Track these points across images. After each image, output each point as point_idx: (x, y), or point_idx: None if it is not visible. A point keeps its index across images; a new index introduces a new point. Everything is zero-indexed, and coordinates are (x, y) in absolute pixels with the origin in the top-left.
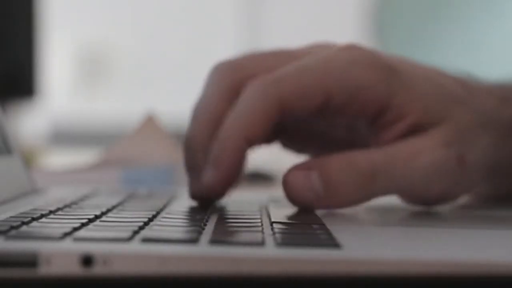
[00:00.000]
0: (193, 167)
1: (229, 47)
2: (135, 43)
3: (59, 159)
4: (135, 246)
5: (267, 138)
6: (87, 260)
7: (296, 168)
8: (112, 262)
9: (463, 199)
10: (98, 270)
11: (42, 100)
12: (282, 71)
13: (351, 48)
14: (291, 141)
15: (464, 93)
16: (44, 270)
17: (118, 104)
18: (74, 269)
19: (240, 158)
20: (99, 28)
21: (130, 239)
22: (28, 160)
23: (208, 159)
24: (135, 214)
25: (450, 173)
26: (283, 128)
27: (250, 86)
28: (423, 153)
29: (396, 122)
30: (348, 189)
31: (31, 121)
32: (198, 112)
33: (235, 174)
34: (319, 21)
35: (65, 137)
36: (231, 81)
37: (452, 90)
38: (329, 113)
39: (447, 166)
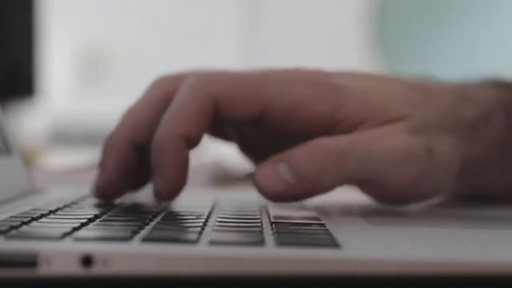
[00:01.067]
0: (103, 167)
1: (229, 47)
2: (135, 43)
3: (59, 159)
4: (135, 246)
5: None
6: (87, 260)
7: (264, 163)
8: (112, 262)
9: (437, 200)
10: (98, 270)
11: (42, 100)
12: (219, 74)
13: (294, 69)
14: (247, 150)
15: (418, 96)
16: (44, 270)
17: (118, 104)
18: (74, 269)
19: (182, 159)
20: (99, 28)
21: (130, 239)
22: (28, 160)
23: (152, 163)
24: (135, 214)
25: (420, 162)
26: (238, 134)
27: (183, 84)
28: (391, 136)
29: (352, 130)
30: (317, 174)
31: (31, 121)
32: (124, 115)
33: (181, 177)
34: (319, 21)
35: (65, 137)
36: (164, 88)
37: (405, 95)
38: (269, 127)
39: (417, 153)
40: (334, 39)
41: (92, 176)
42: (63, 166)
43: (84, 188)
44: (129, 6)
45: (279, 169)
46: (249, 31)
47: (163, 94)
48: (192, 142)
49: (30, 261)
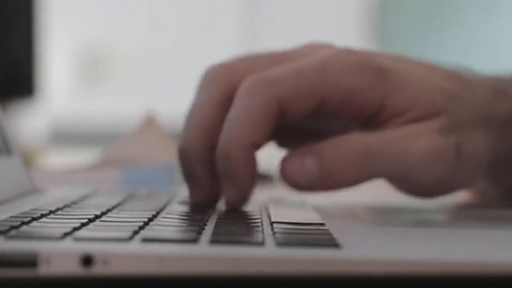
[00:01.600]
0: (191, 177)
1: (229, 47)
2: (135, 43)
3: (59, 159)
4: (135, 246)
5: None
6: (87, 260)
7: (292, 154)
8: (112, 262)
9: (462, 196)
10: (98, 270)
11: (42, 100)
12: (278, 72)
13: (345, 53)
14: (286, 141)
15: (458, 88)
16: (44, 270)
17: (118, 104)
18: (74, 269)
19: (252, 166)
20: (99, 28)
21: (130, 239)
22: (28, 160)
23: (221, 172)
24: (135, 214)
25: (448, 161)
26: (278, 128)
27: (245, 89)
28: (420, 137)
29: (392, 119)
30: (343, 170)
31: (31, 121)
32: (191, 120)
33: (252, 183)
34: (319, 21)
35: (65, 137)
36: (223, 86)
37: (446, 85)
38: (322, 116)
39: (445, 153)
40: (334, 37)
41: (92, 176)
42: (63, 166)
43: (84, 188)
44: (129, 6)
45: (306, 162)
46: (249, 31)
47: (223, 94)
48: (259, 147)
49: (30, 261)
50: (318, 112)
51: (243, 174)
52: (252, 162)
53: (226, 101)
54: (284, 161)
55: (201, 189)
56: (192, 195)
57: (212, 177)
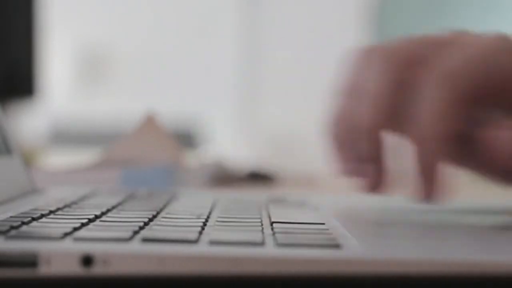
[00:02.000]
0: (369, 155)
1: (228, 47)
2: (135, 43)
3: (59, 159)
4: (135, 246)
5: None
6: (87, 260)
7: (500, 129)
8: (112, 262)
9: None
10: (98, 270)
11: (41, 100)
12: (457, 64)
13: (505, 39)
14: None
15: None
16: (44, 270)
17: (118, 104)
18: (74, 269)
19: (443, 162)
20: (99, 28)
21: (130, 239)
22: (28, 160)
23: (419, 164)
24: (135, 214)
25: None
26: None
27: (434, 82)
28: None
29: None
30: None
31: (31, 121)
32: (372, 100)
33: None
34: (319, 21)
35: (65, 137)
36: (400, 72)
37: None
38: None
39: None
40: (334, 38)
41: (92, 176)
42: (63, 166)
43: (84, 188)
44: (129, 6)
45: None
46: (248, 31)
47: (398, 81)
48: (451, 141)
49: (30, 261)
50: (488, 100)
51: (439, 174)
52: (445, 157)
53: (403, 87)
54: (491, 135)
55: (385, 173)
56: (375, 179)
57: (379, 158)
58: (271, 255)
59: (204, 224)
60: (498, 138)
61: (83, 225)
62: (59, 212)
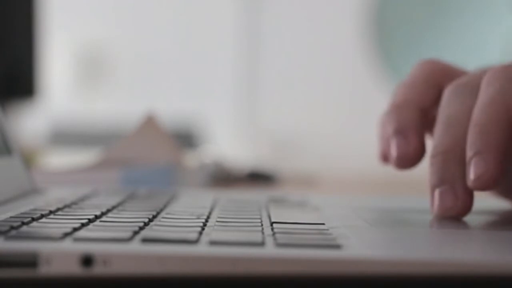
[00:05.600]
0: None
1: (228, 47)
2: (135, 43)
3: (59, 159)
4: (135, 246)
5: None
6: (87, 260)
7: None
8: (112, 262)
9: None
10: (98, 270)
11: (42, 100)
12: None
13: None
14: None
15: None
16: (44, 270)
17: (118, 104)
18: (74, 269)
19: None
20: (99, 28)
21: (130, 239)
22: (28, 160)
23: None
24: (135, 214)
25: None
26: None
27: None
28: None
29: None
30: None
31: (31, 121)
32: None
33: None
34: (319, 21)
35: (65, 137)
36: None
37: None
38: None
39: None
40: (334, 39)
41: (92, 176)
42: (63, 166)
43: (84, 188)
44: (128, 6)
45: None
46: (248, 31)
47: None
48: None
49: (30, 261)
50: None
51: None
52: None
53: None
54: None
55: (413, 146)
56: (401, 150)
57: (421, 136)
58: (271, 255)
59: (204, 224)
60: None
61: (83, 225)
62: (59, 212)
